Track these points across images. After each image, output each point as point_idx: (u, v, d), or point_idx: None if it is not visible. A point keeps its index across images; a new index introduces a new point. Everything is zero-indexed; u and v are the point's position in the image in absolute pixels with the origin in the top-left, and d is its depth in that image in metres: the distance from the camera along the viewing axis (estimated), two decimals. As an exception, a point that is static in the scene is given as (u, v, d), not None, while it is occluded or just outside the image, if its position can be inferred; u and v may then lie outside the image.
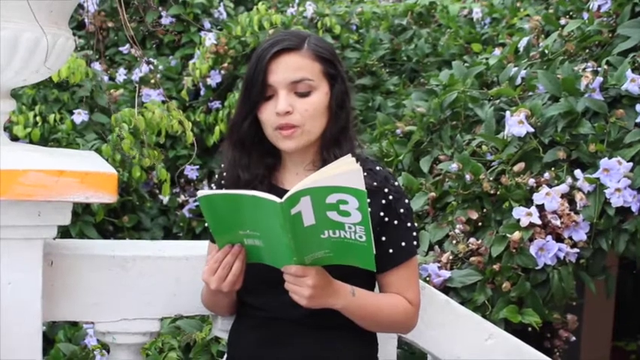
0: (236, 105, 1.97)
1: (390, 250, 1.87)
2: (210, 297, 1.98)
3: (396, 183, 1.91)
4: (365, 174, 1.72)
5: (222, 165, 2.01)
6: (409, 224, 1.89)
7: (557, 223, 2.79)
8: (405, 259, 1.89)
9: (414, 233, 1.91)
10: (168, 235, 5.34)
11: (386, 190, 1.86)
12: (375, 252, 1.70)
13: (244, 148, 1.93)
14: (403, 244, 1.88)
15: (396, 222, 1.87)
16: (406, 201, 1.91)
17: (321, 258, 1.72)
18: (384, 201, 1.86)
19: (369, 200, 1.64)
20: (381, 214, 1.85)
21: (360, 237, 1.67)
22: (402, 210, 1.88)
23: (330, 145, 1.89)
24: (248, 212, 1.67)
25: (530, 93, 3.38)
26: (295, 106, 1.85)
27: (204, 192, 1.71)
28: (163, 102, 5.10)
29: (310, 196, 1.62)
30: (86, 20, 5.97)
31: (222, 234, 1.77)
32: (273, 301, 1.87)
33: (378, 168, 1.90)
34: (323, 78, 1.88)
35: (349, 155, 1.69)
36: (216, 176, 2.07)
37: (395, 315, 1.89)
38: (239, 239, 1.75)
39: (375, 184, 1.83)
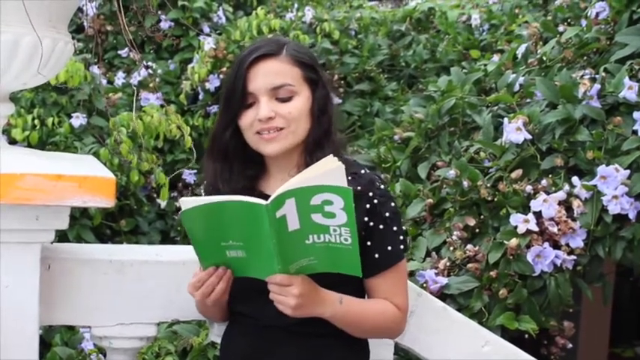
0: (217, 116, 1.94)
1: (377, 255, 1.83)
2: (200, 305, 1.97)
3: (382, 186, 1.87)
4: (349, 178, 1.70)
5: (205, 175, 1.97)
6: (395, 228, 1.85)
7: (555, 230, 2.79)
8: (391, 263, 1.85)
9: (401, 237, 1.87)
10: (166, 239, 5.33)
11: (370, 194, 1.82)
12: (361, 257, 1.67)
13: (226, 159, 1.90)
14: (389, 248, 1.84)
15: (381, 226, 1.83)
16: (392, 204, 1.86)
17: (306, 266, 1.69)
18: (368, 205, 1.82)
19: (353, 204, 1.61)
20: (366, 218, 1.81)
21: (345, 240, 1.64)
22: (387, 214, 1.84)
23: (314, 149, 1.86)
24: (232, 220, 1.65)
25: (528, 100, 3.39)
26: (277, 111, 1.83)
27: (187, 203, 1.66)
28: (162, 106, 5.10)
29: (295, 198, 1.60)
30: (85, 24, 5.95)
31: (205, 249, 1.73)
32: (262, 309, 1.84)
33: (363, 171, 1.87)
34: (304, 83, 1.86)
35: (330, 155, 1.66)
36: (202, 189, 2.05)
37: (383, 321, 1.87)
38: (222, 253, 1.71)
39: (359, 188, 1.78)
